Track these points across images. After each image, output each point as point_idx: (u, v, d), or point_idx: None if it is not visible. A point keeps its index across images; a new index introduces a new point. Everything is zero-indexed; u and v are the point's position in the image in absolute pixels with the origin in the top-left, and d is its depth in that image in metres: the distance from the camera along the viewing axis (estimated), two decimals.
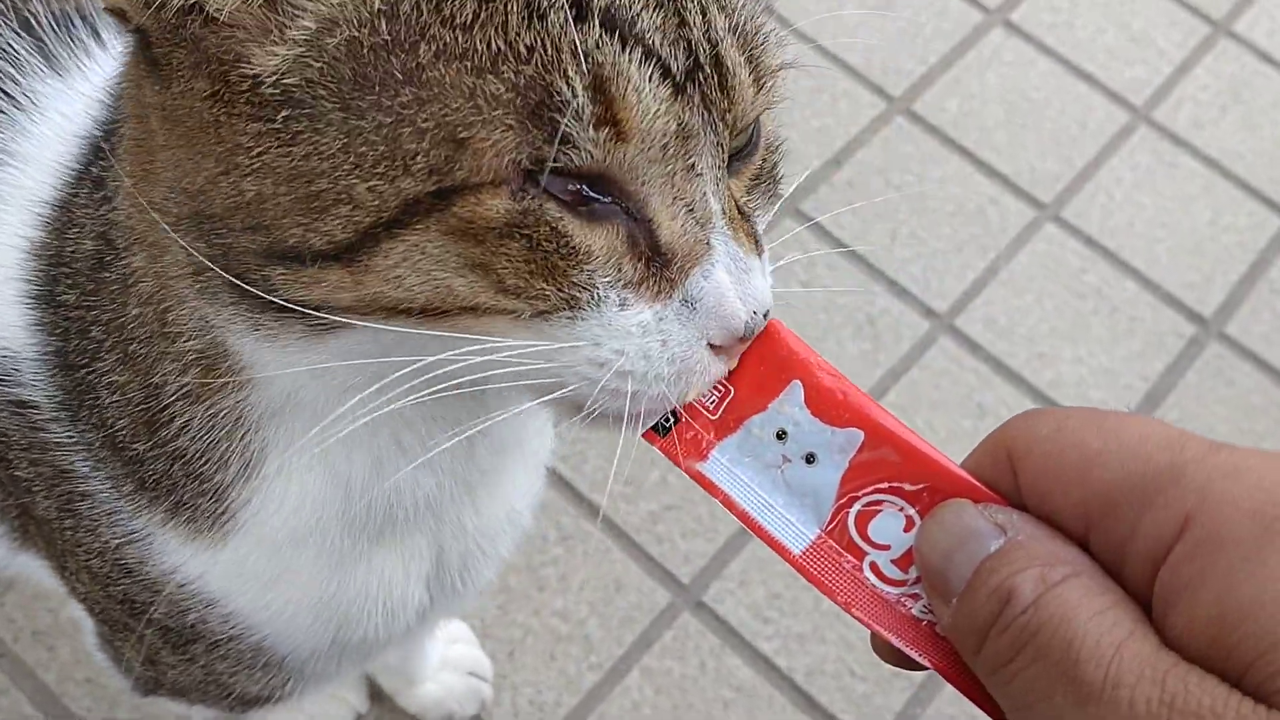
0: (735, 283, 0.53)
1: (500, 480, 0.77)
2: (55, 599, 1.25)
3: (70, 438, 0.72)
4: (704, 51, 0.52)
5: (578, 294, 0.52)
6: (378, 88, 0.50)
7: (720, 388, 0.54)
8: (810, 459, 0.52)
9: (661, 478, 1.41)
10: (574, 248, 0.51)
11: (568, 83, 0.49)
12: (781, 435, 0.53)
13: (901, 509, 0.50)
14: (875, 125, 1.71)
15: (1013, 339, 1.56)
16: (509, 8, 0.49)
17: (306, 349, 0.57)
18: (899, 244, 1.62)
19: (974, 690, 0.46)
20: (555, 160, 0.49)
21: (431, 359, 0.53)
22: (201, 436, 0.67)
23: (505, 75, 0.49)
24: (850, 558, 0.50)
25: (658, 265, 0.53)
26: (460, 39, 0.49)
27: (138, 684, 0.89)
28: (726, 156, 0.55)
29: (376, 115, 0.50)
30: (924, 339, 1.55)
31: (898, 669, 0.51)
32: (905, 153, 1.70)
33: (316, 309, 0.54)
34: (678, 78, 0.51)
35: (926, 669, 0.49)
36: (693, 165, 0.52)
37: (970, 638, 0.44)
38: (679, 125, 0.51)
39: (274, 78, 0.51)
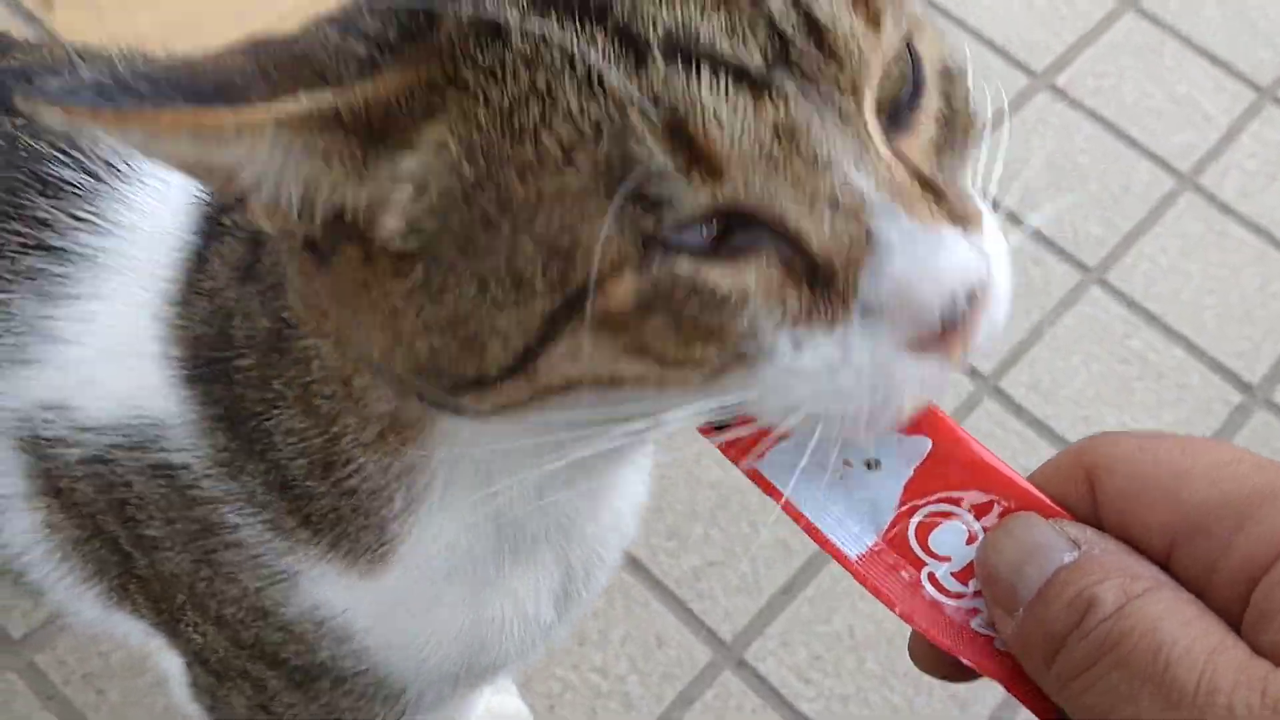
0: (916, 265, 0.45)
1: (613, 488, 0.78)
2: (107, 643, 1.26)
3: (226, 491, 0.73)
4: (794, 25, 0.46)
5: (744, 348, 0.47)
6: (483, 227, 0.49)
7: None
8: (872, 464, 0.51)
9: (705, 533, 1.41)
10: (722, 297, 0.47)
11: (639, 143, 0.45)
12: (846, 443, 0.51)
13: (965, 521, 0.50)
14: None
15: (1057, 402, 1.56)
16: (566, 89, 0.46)
17: (497, 426, 0.59)
18: None
19: (1034, 701, 0.47)
20: (661, 225, 0.46)
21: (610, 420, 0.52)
22: (373, 478, 0.68)
23: (582, 163, 0.46)
24: (909, 568, 0.50)
25: (822, 283, 0.47)
26: (532, 149, 0.47)
27: None
28: (868, 126, 0.47)
29: (492, 252, 0.49)
30: (968, 400, 1.55)
31: (944, 680, 0.51)
32: None
33: (503, 408, 0.55)
34: (760, 74, 0.46)
35: (969, 680, 0.49)
36: (815, 156, 0.46)
37: (1041, 647, 0.44)
38: (776, 126, 0.45)
39: (399, 239, 0.51)
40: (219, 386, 0.72)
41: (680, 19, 0.46)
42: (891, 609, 0.50)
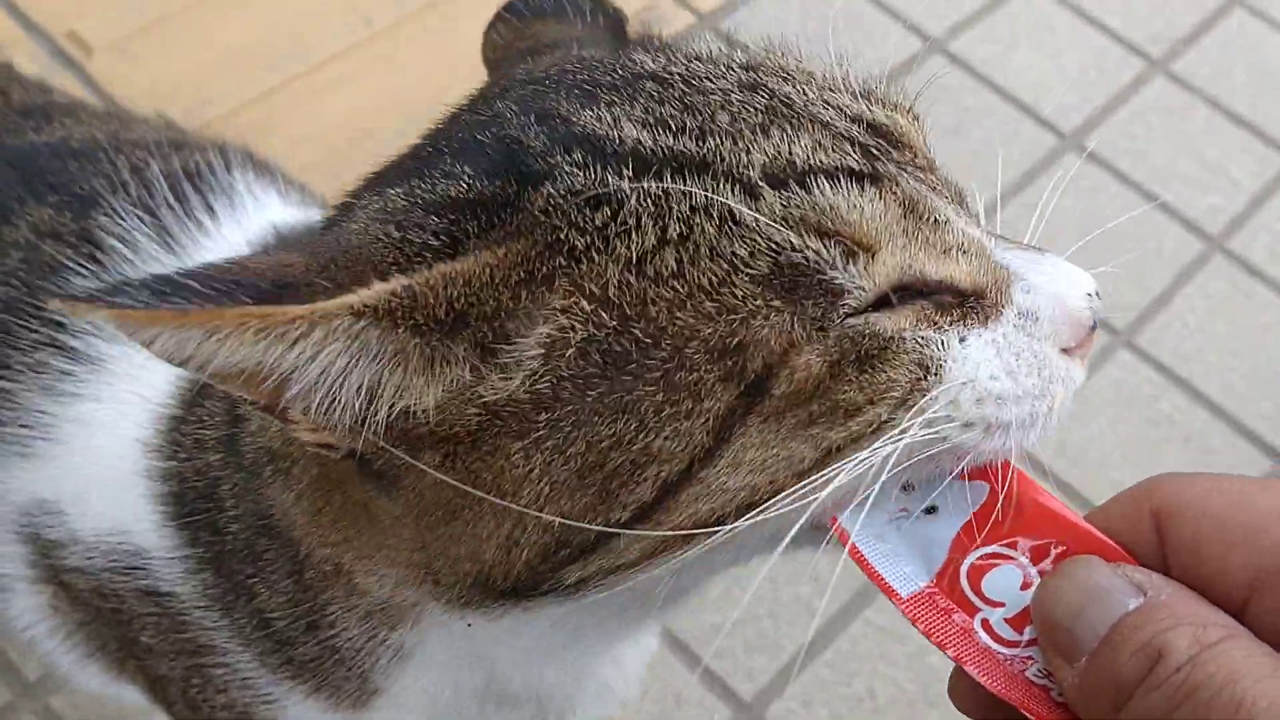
0: (1054, 280, 0.53)
1: (604, 658, 0.77)
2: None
3: (215, 622, 0.72)
4: (860, 131, 0.54)
5: (922, 354, 0.51)
6: (633, 357, 0.49)
7: None
8: (930, 510, 0.51)
9: (726, 591, 1.40)
10: (893, 335, 0.51)
11: (802, 249, 0.49)
12: (907, 488, 0.52)
13: (1020, 566, 0.48)
14: None
15: (1084, 465, 1.54)
16: (705, 235, 0.50)
17: (547, 616, 0.58)
18: None
19: None
20: (840, 310, 0.50)
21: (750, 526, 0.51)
22: (358, 642, 0.67)
23: (744, 279, 0.49)
24: (962, 613, 0.49)
25: (973, 303, 0.53)
26: (680, 286, 0.50)
27: None
28: (949, 193, 0.56)
29: (642, 377, 0.49)
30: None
31: None
32: None
33: (589, 580, 0.54)
34: (866, 168, 0.52)
35: None
36: (936, 218, 0.53)
37: (1107, 698, 0.42)
38: (901, 202, 0.52)
39: (520, 391, 0.50)
40: (206, 534, 0.71)
41: (771, 153, 0.51)
42: (944, 651, 0.48)
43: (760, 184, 0.51)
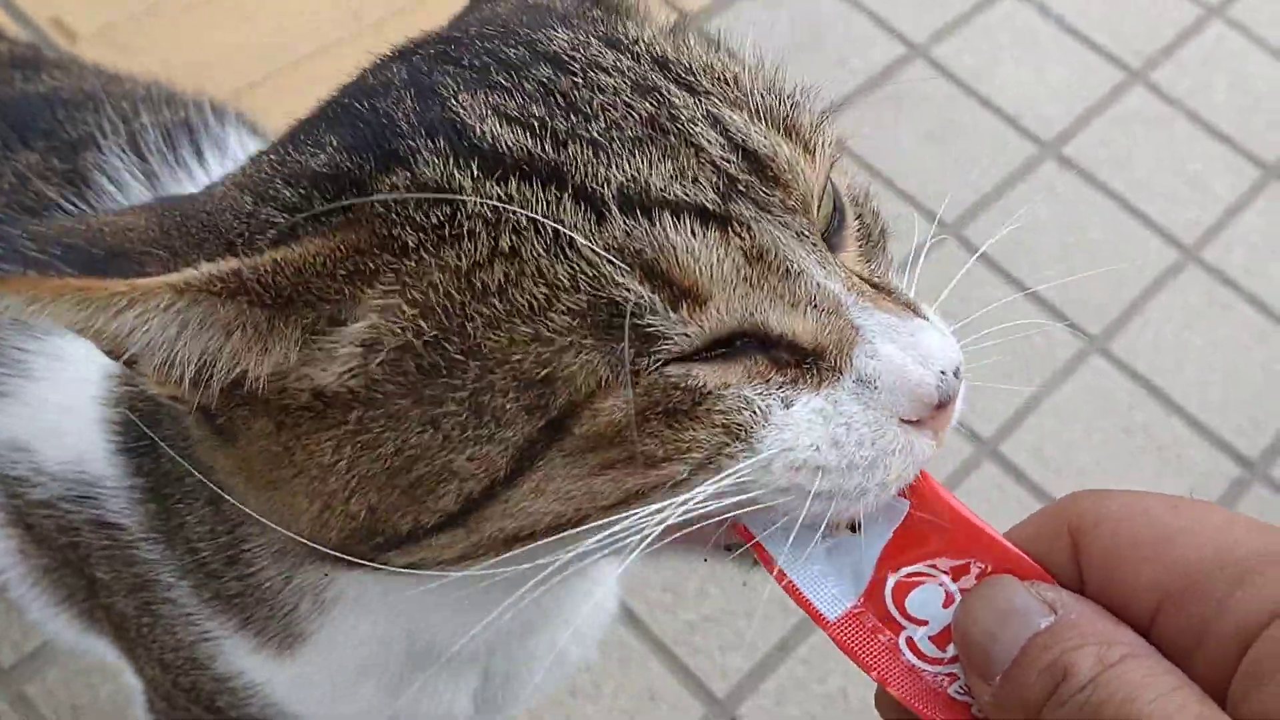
0: (905, 350, 0.50)
1: (553, 617, 0.77)
2: (96, 675, 1.26)
3: (159, 555, 0.73)
4: (734, 161, 0.51)
5: (735, 419, 0.50)
6: (444, 372, 0.49)
7: None
8: (854, 527, 0.51)
9: (701, 588, 1.41)
10: (711, 390, 0.49)
11: (622, 289, 0.48)
12: None
13: (942, 584, 0.49)
14: (926, 250, 1.73)
15: (1058, 470, 1.56)
16: (534, 253, 0.48)
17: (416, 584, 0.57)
18: None
19: None
20: (657, 357, 0.48)
21: (581, 548, 0.51)
22: (275, 584, 0.68)
23: (561, 309, 0.48)
24: (887, 632, 0.49)
25: (810, 363, 0.51)
26: (500, 304, 0.48)
27: None
28: (821, 240, 0.53)
29: (451, 394, 0.49)
30: (967, 463, 1.55)
31: None
32: (953, 276, 1.71)
33: (425, 565, 0.54)
34: (718, 209, 0.50)
35: None
36: (788, 269, 0.50)
37: (1018, 715, 0.43)
38: (745, 252, 0.50)
39: (334, 384, 0.50)
40: (148, 461, 0.72)
41: (631, 174, 0.49)
42: (868, 674, 0.49)
43: (611, 205, 0.49)
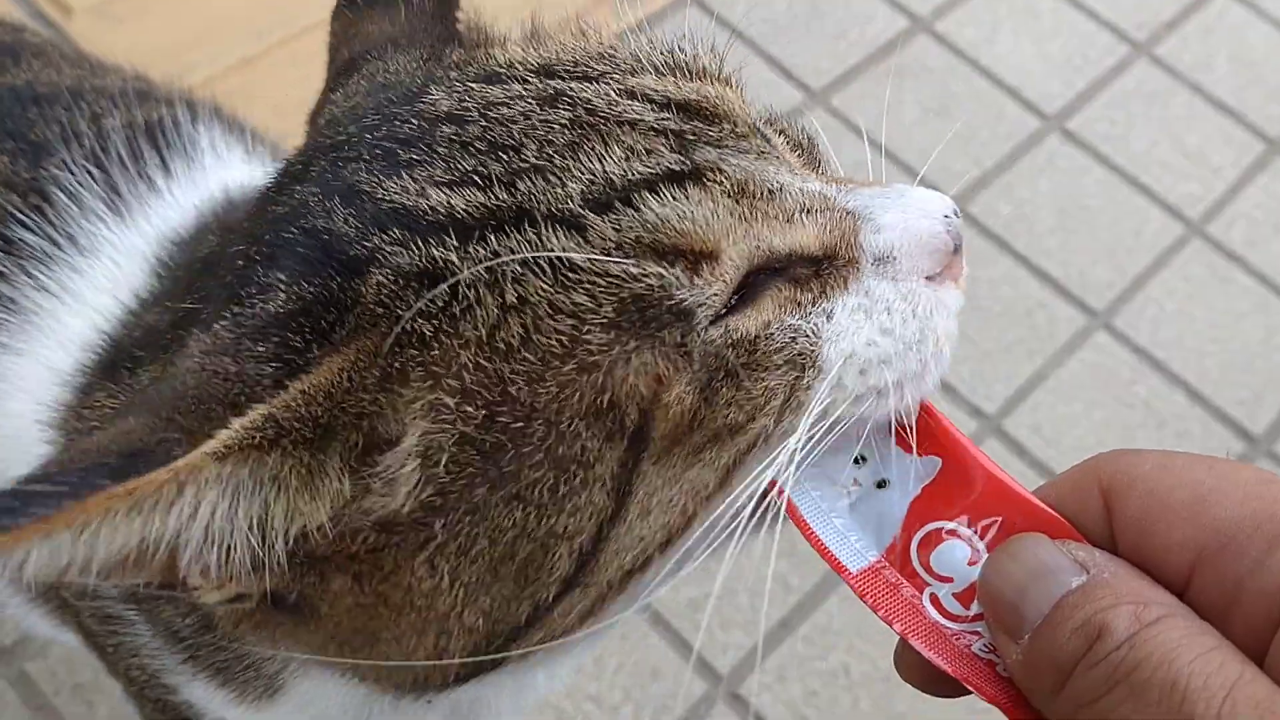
0: (904, 211, 0.51)
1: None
2: None
3: (118, 599, 0.70)
4: (670, 118, 0.51)
5: (794, 351, 0.50)
6: (509, 446, 0.47)
7: None
8: (882, 484, 0.51)
9: (703, 565, 1.40)
10: (756, 335, 0.49)
11: (642, 278, 0.47)
12: (859, 460, 0.51)
13: (969, 540, 0.48)
14: None
15: (1060, 446, 1.55)
16: (541, 293, 0.47)
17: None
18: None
19: None
20: (694, 326, 0.48)
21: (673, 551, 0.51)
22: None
23: (593, 330, 0.47)
24: (910, 587, 0.49)
25: (828, 267, 0.51)
26: (532, 356, 0.47)
27: None
28: (781, 151, 0.54)
29: (526, 463, 0.47)
30: (971, 439, 1.54)
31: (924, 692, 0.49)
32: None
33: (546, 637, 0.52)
34: (684, 166, 0.50)
35: (956, 696, 0.47)
36: (769, 189, 0.51)
37: (1048, 675, 0.42)
38: (729, 192, 0.50)
39: (407, 506, 0.48)
40: None
41: (588, 178, 0.49)
42: (890, 626, 0.48)
43: (585, 214, 0.48)
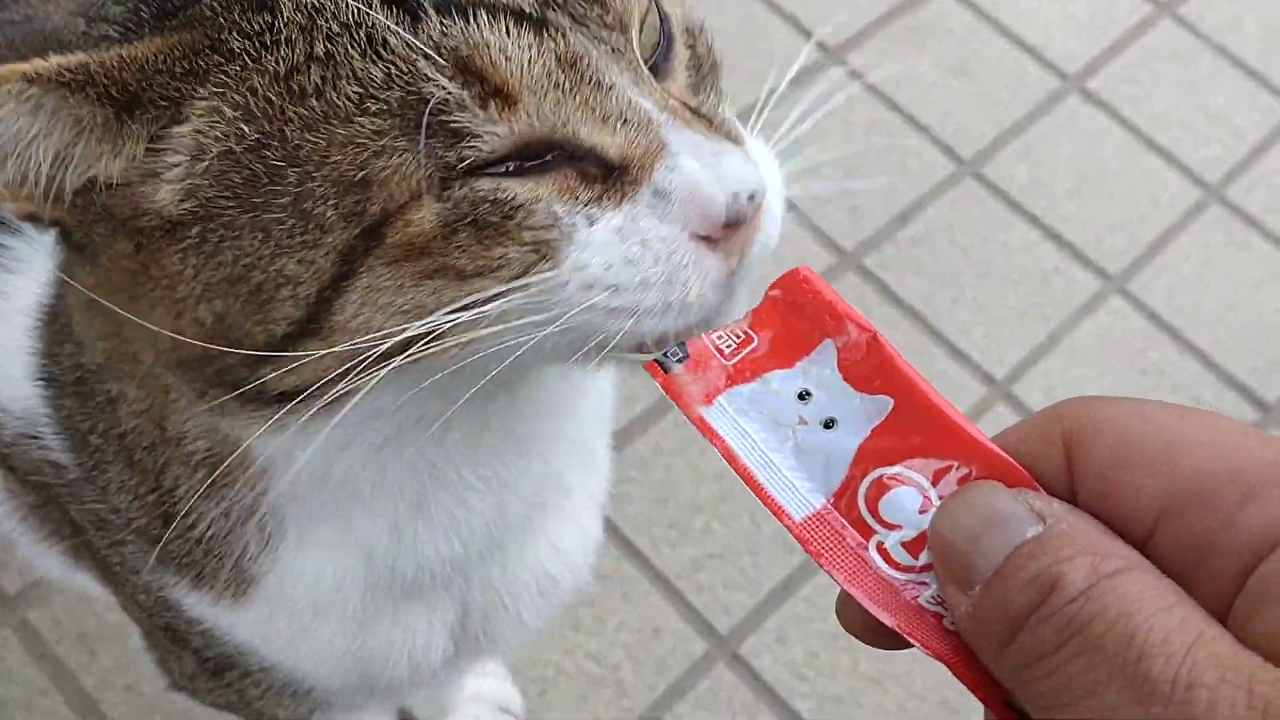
0: (706, 167, 0.51)
1: (532, 539, 0.76)
2: (101, 604, 1.26)
3: (100, 501, 0.73)
4: None
5: (543, 236, 0.51)
6: (267, 179, 0.51)
7: (739, 334, 0.49)
8: (829, 424, 0.48)
9: (706, 525, 1.40)
10: (520, 204, 0.51)
11: (433, 84, 0.49)
12: (804, 396, 0.48)
13: (920, 487, 0.45)
14: (943, 186, 1.71)
15: None
16: (348, 54, 0.50)
17: (328, 422, 0.57)
18: (961, 307, 1.61)
19: (981, 686, 0.43)
20: (464, 159, 0.50)
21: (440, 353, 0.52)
22: (217, 524, 0.67)
23: (373, 109, 0.49)
24: (855, 534, 0.46)
25: (616, 177, 0.52)
26: (317, 106, 0.50)
27: (179, 688, 0.91)
28: (639, 59, 0.54)
29: (276, 200, 0.51)
30: (980, 404, 1.53)
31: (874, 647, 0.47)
32: (972, 215, 1.69)
33: (317, 386, 0.54)
34: (534, 12, 0.51)
35: (901, 649, 0.45)
36: (599, 81, 0.51)
37: (998, 628, 0.40)
38: (559, 56, 0.51)
39: (174, 205, 0.52)
40: (68, 402, 0.72)
41: None
42: (833, 577, 0.45)
43: (426, 6, 0.50)
